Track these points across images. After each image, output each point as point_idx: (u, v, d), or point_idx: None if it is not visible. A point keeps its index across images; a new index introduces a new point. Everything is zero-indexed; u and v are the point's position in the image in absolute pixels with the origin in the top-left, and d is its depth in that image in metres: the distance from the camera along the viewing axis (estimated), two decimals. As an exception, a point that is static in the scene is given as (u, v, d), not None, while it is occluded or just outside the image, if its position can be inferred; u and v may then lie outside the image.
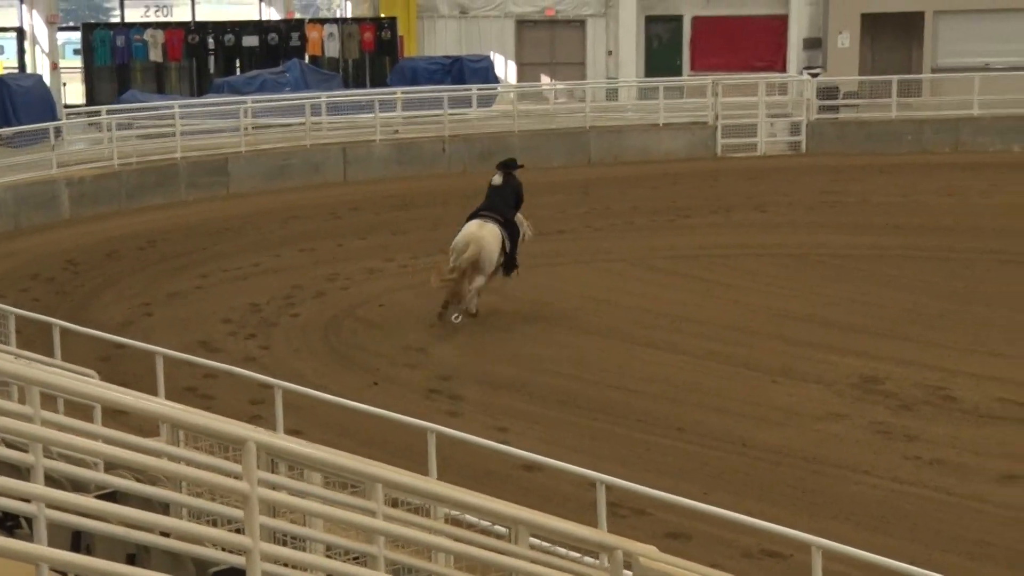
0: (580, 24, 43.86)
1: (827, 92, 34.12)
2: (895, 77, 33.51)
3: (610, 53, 43.20)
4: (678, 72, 42.02)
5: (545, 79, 42.44)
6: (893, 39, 40.55)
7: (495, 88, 36.69)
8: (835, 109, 33.93)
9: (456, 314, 15.86)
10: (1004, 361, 13.56)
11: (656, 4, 43.16)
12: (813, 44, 41.51)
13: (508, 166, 17.10)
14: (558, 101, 36.35)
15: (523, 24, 44.09)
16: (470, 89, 33.51)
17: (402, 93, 31.99)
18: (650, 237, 21.43)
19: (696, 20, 43.16)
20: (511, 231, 16.50)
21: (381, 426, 10.17)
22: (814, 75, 35.88)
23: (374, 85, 37.21)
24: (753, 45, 42.55)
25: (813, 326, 15.33)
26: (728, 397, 12.70)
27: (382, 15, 42.29)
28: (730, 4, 42.73)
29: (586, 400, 12.77)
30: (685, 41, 43.34)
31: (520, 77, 43.03)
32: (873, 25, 40.15)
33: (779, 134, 32.75)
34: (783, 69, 41.28)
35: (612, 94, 39.22)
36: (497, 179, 16.93)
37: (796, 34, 41.80)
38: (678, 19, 43.27)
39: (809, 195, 25.11)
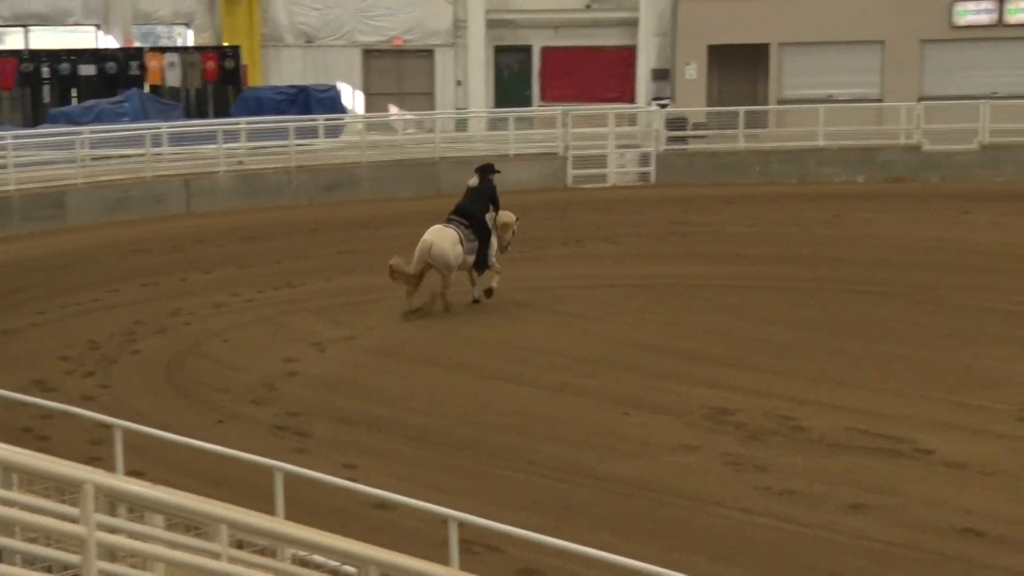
0: (428, 54, 44.03)
1: (676, 123, 34.73)
2: (742, 108, 34.25)
3: (459, 83, 43.43)
4: (528, 103, 42.41)
5: (393, 109, 42.48)
6: (740, 71, 41.47)
7: (342, 118, 36.60)
8: (684, 140, 34.53)
9: (417, 308, 17.80)
10: (850, 390, 13.91)
11: (505, 34, 43.55)
12: (661, 75, 42.25)
13: (484, 170, 19.09)
14: (407, 132, 36.40)
15: (370, 53, 44.10)
16: (316, 119, 33.39)
17: (246, 123, 31.73)
18: (502, 268, 21.55)
19: (545, 51, 43.65)
20: (480, 231, 18.34)
21: (226, 465, 10.03)
22: (663, 106, 36.52)
23: (217, 115, 36.86)
24: (602, 76, 43.16)
25: (665, 356, 15.55)
26: (580, 429, 12.80)
27: (225, 44, 41.95)
28: (579, 35, 43.32)
29: (438, 435, 12.76)
30: (535, 72, 43.77)
31: (368, 107, 43.02)
32: (720, 57, 41.01)
33: (629, 165, 33.22)
34: (632, 100, 41.96)
35: (462, 125, 39.40)
36: (474, 181, 18.97)
37: (644, 65, 42.50)
38: (527, 49, 43.71)
39: (659, 226, 25.50)
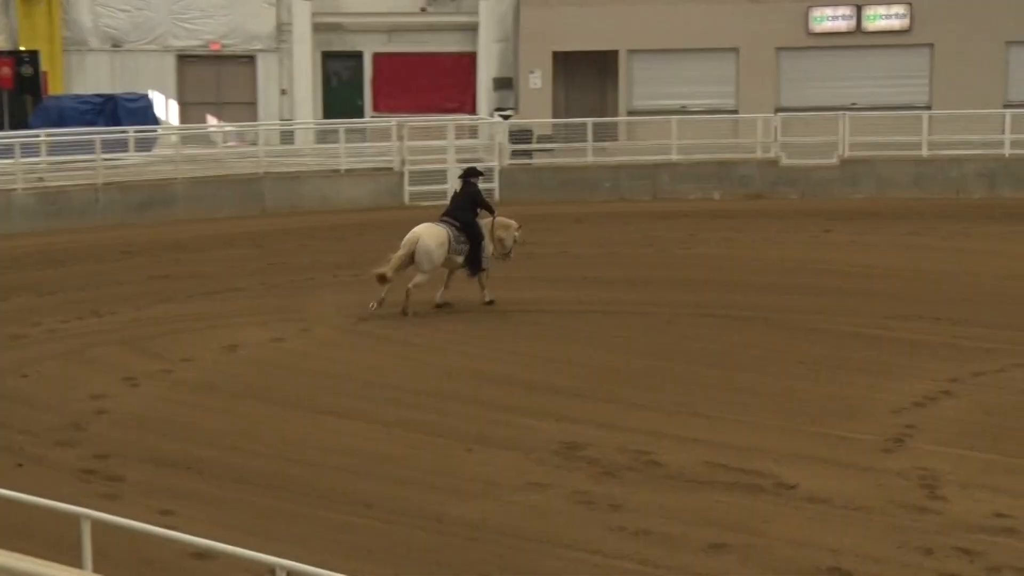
0: (249, 60, 43.74)
1: (520, 136, 34.99)
2: (590, 120, 34.66)
3: (284, 92, 43.20)
4: (360, 113, 42.37)
5: (212, 120, 42.07)
6: (587, 80, 41.98)
7: (155, 130, 36.12)
8: (528, 154, 34.80)
9: (375, 304, 19.59)
10: (709, 422, 14.10)
11: (334, 39, 43.47)
12: (504, 84, 42.56)
13: (467, 174, 21.16)
14: (227, 145, 36.07)
15: (185, 59, 43.62)
16: (126, 131, 32.89)
17: (47, 136, 31.10)
18: (336, 293, 21.46)
19: (377, 57, 43.66)
20: (471, 234, 20.13)
21: (27, 514, 9.78)
22: (505, 117, 36.78)
23: (14, 127, 36.09)
24: (440, 85, 43.31)
25: (510, 388, 15.60)
26: (419, 468, 12.77)
27: (22, 48, 41.10)
28: (414, 41, 43.42)
29: (263, 476, 12.62)
30: (366, 80, 43.75)
31: (183, 118, 42.54)
32: (566, 64, 41.46)
33: (470, 181, 33.34)
34: (473, 111, 42.17)
35: (287, 137, 39.21)
36: (459, 186, 21.03)
37: (485, 73, 42.76)
38: (358, 56, 43.67)
39: (503, 247, 25.61)
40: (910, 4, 41.05)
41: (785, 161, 34.46)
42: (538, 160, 34.66)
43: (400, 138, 32.85)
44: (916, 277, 22.76)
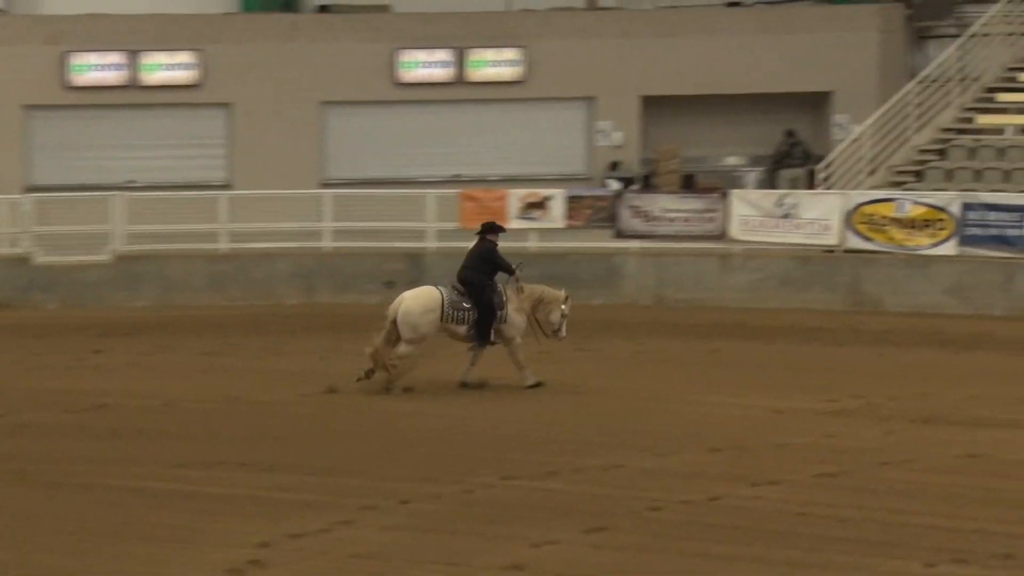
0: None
1: None
2: None
3: None
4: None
5: None
6: None
7: None
8: None
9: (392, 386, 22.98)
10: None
11: None
12: None
13: (484, 230, 23.68)
14: None
15: None
16: None
17: None
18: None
19: None
20: (479, 299, 22.70)
21: None
22: None
23: None
24: None
25: None
26: None
27: None
28: None
29: None
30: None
31: None
32: None
33: None
34: None
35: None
36: (474, 244, 23.70)
37: None
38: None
39: None
40: (200, 51, 40.98)
41: (42, 258, 34.15)
42: None
43: None
44: (220, 410, 23.05)
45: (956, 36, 39.77)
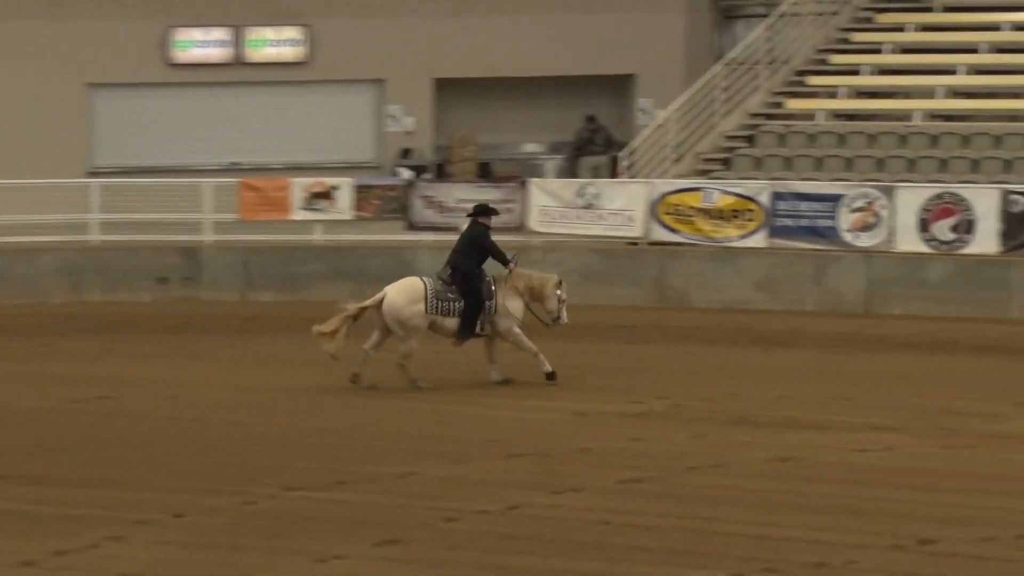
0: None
1: None
2: None
3: None
4: None
5: None
6: None
7: None
8: None
9: (418, 382, 23.53)
10: None
11: None
12: None
13: (476, 212, 23.66)
14: None
15: None
16: None
17: None
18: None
19: None
20: (467, 288, 22.75)
21: None
22: None
23: None
24: None
25: None
26: None
27: None
28: None
29: None
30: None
31: None
32: None
33: None
34: None
35: None
36: (466, 228, 23.75)
37: None
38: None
39: None
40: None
41: None
42: None
43: None
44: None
45: (764, 16, 40.11)
